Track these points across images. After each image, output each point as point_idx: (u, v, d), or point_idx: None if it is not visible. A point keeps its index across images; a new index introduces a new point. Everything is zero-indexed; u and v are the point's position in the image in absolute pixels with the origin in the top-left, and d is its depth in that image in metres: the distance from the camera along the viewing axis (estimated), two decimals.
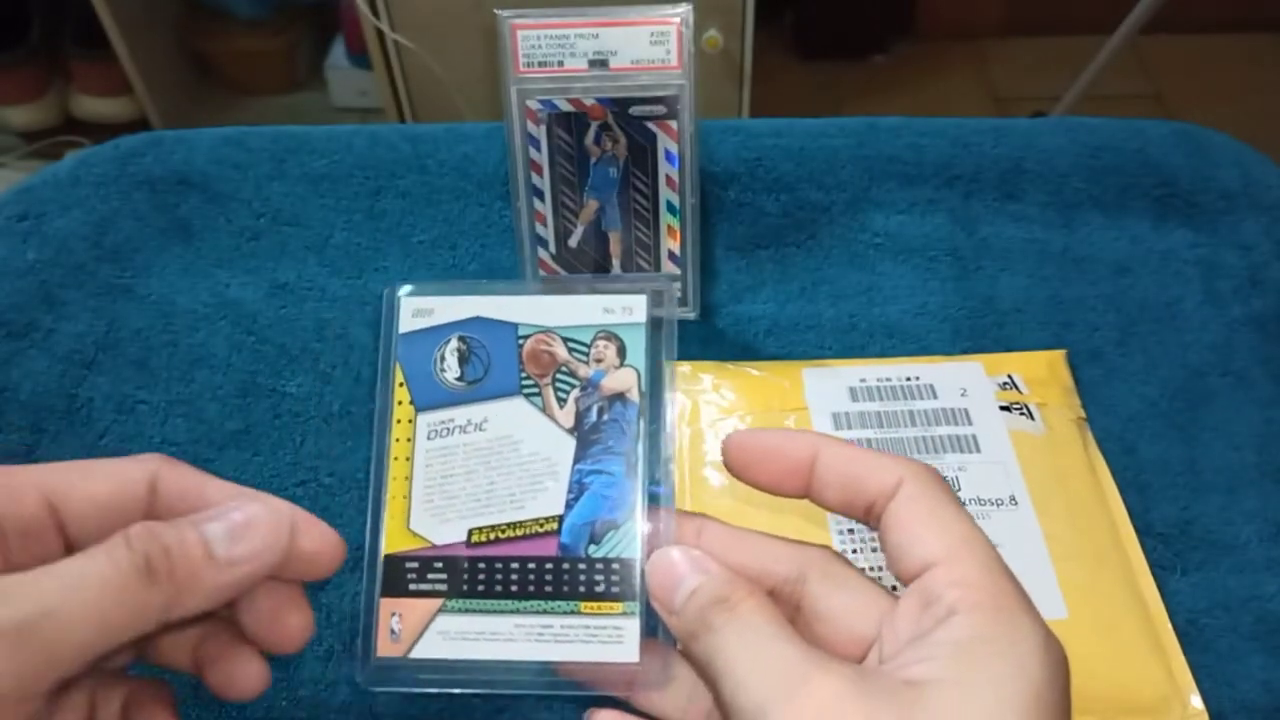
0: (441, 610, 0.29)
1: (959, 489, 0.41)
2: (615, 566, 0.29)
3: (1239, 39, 1.54)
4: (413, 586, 0.29)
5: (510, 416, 0.30)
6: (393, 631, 0.29)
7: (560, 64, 0.45)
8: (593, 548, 0.29)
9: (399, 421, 0.30)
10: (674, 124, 0.45)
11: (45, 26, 1.32)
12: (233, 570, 0.24)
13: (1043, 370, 0.47)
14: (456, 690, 0.29)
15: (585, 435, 0.30)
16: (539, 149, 0.46)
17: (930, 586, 0.24)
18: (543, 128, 0.46)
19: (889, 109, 1.48)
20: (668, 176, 0.46)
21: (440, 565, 0.29)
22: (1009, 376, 0.46)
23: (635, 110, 0.45)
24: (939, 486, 0.26)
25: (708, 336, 0.50)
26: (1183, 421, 0.46)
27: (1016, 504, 0.41)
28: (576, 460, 0.30)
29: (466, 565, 0.29)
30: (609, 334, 0.31)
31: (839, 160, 0.57)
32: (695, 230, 0.48)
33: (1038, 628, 0.23)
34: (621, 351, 0.31)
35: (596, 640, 0.28)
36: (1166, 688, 0.37)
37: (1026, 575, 0.25)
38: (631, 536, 0.29)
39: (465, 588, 0.29)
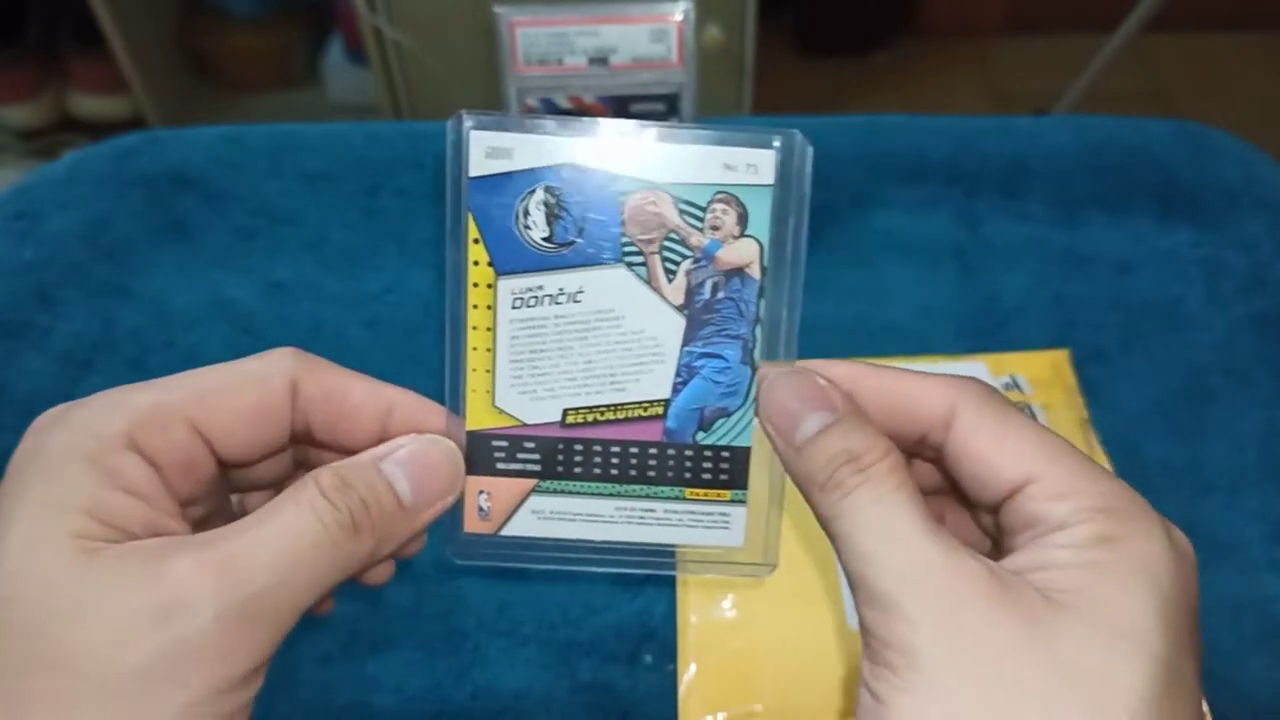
0: (535, 490, 0.27)
1: None
2: (725, 455, 0.27)
3: (1242, 37, 1.53)
4: (501, 465, 0.27)
5: (610, 288, 0.26)
6: (480, 509, 0.27)
7: (560, 61, 0.44)
8: (701, 434, 0.27)
9: (475, 285, 0.26)
10: (675, 121, 0.45)
11: (42, 24, 1.31)
12: (420, 517, 0.25)
13: (1046, 370, 0.46)
14: (547, 567, 0.28)
15: (696, 314, 0.27)
16: None
17: (1026, 508, 0.22)
18: None
19: (891, 106, 1.47)
20: None
21: (532, 445, 0.27)
22: (1012, 377, 0.45)
23: (636, 108, 0.45)
24: (998, 401, 0.24)
25: None
26: (1185, 421, 0.46)
27: None
28: (686, 342, 0.27)
29: (562, 446, 0.27)
30: (729, 196, 0.26)
31: (841, 158, 0.57)
32: None
33: (1155, 527, 0.22)
34: (743, 219, 0.26)
35: (701, 525, 0.28)
36: None
37: None
38: (745, 424, 0.27)
39: (560, 469, 0.27)
